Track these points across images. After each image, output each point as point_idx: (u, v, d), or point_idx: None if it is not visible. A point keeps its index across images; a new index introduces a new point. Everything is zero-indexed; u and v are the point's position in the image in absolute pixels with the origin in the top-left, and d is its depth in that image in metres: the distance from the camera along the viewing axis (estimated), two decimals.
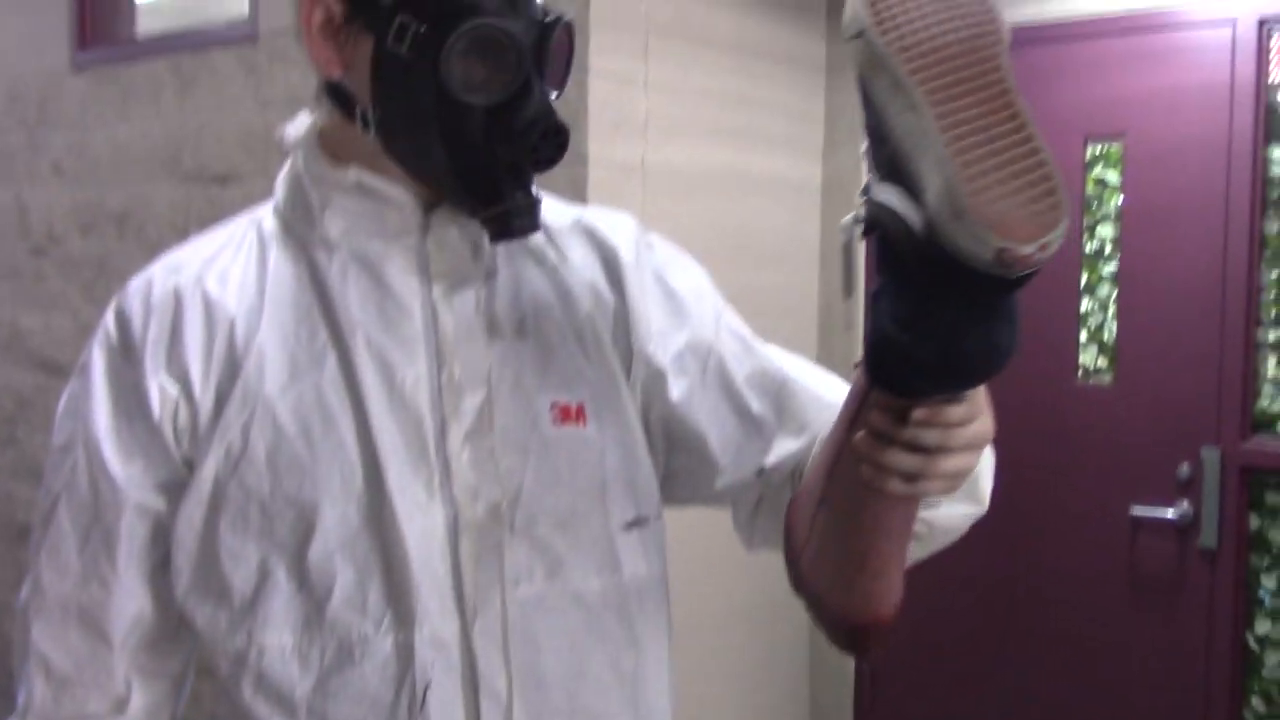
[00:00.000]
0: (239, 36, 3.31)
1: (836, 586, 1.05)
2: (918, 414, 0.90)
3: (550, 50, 1.03)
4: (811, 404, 1.15)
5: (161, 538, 1.09)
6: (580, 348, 1.13)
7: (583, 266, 1.16)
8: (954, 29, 0.86)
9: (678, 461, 1.18)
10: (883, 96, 0.86)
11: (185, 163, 3.42)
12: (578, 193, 2.63)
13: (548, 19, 1.03)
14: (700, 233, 2.97)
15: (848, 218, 0.94)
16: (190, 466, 1.07)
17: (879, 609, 1.04)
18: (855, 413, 0.96)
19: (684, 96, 2.92)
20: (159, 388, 1.06)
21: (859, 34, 0.87)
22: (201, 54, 3.40)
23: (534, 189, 1.05)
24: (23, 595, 1.12)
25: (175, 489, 1.07)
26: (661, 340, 1.15)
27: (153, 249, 1.14)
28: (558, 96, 1.06)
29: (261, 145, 3.22)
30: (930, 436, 0.90)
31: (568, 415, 1.10)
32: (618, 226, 1.20)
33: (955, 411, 0.90)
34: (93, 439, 1.08)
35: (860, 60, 0.88)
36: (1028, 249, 0.79)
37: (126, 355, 1.08)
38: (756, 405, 1.15)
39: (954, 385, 0.88)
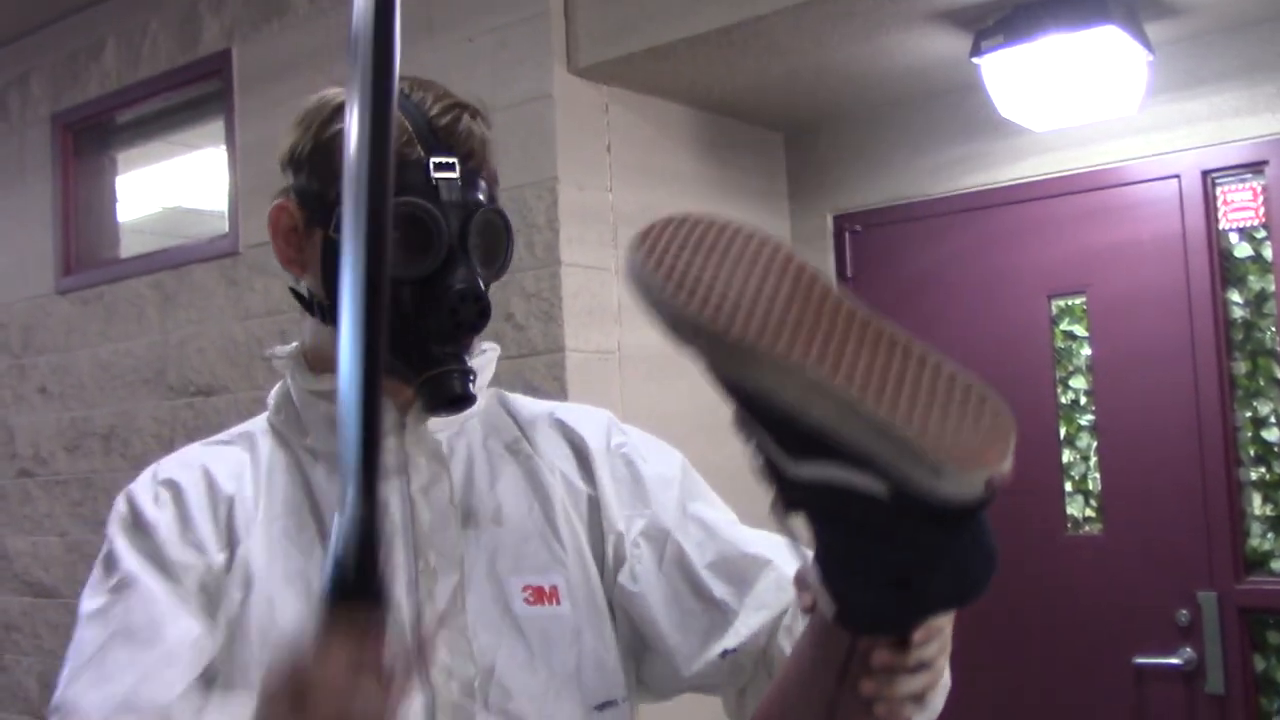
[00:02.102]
0: (220, 251, 3.40)
1: None
2: (918, 634, 0.91)
3: (475, 230, 1.11)
4: (774, 585, 1.16)
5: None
6: (554, 535, 1.17)
7: (555, 458, 1.22)
8: (774, 286, 0.83)
9: (640, 645, 1.20)
10: (763, 383, 0.81)
11: (169, 376, 3.47)
12: (556, 378, 2.67)
13: (478, 206, 1.12)
14: (678, 412, 3.00)
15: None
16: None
17: None
18: (843, 667, 0.93)
19: None
20: (180, 561, 1.09)
21: (702, 339, 0.83)
22: (183, 270, 3.49)
23: (466, 360, 1.12)
24: None
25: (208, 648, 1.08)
26: (626, 524, 1.20)
27: (139, 464, 1.18)
28: (495, 274, 1.14)
29: (244, 355, 3.27)
30: (932, 648, 0.93)
31: (541, 596, 1.14)
32: (588, 418, 1.27)
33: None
34: (141, 584, 1.07)
35: (717, 362, 0.84)
36: (1006, 463, 0.78)
37: (144, 531, 1.11)
38: (718, 590, 1.17)
39: (971, 599, 0.87)
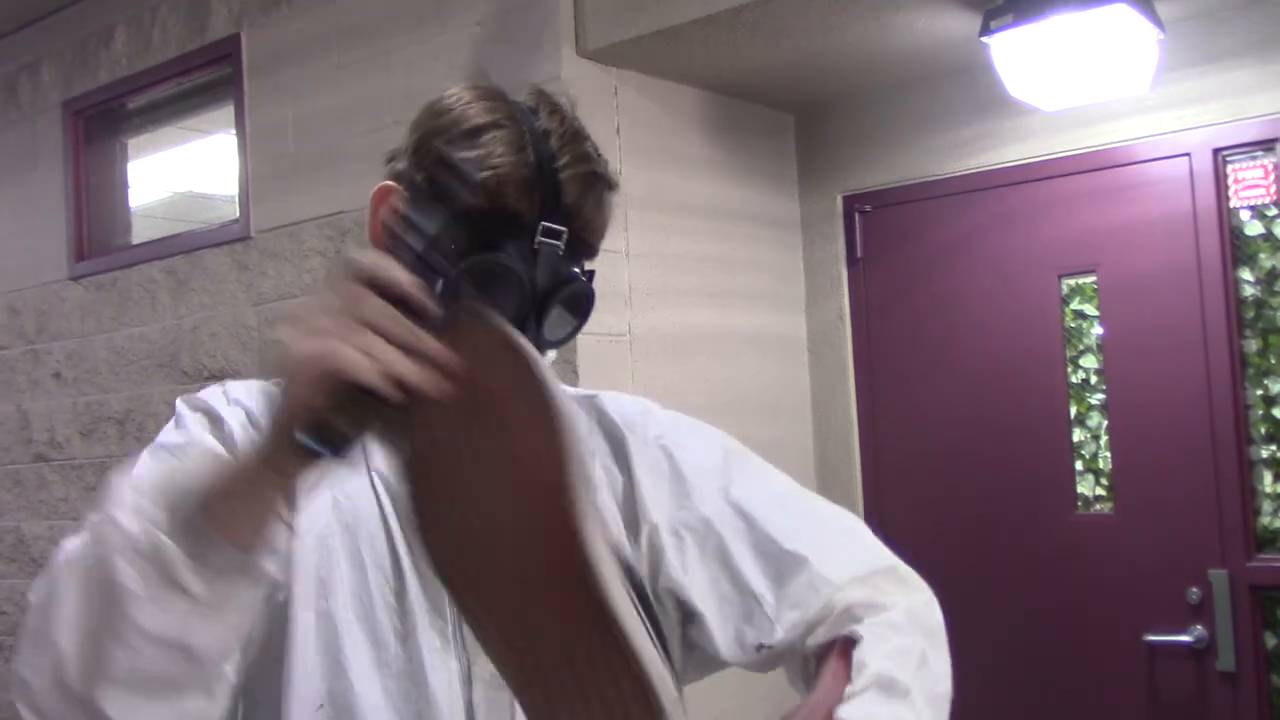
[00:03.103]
0: (231, 236, 3.41)
1: None
2: None
3: (558, 301, 1.08)
4: (807, 584, 1.14)
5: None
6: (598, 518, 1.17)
7: (593, 443, 1.22)
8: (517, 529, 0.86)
9: (689, 632, 1.19)
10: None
11: (182, 361, 3.49)
12: (568, 361, 2.68)
13: (569, 276, 1.08)
14: (691, 393, 3.01)
15: None
16: None
17: None
18: None
19: (665, 263, 3.00)
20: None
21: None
22: (195, 255, 3.50)
23: None
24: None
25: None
26: (663, 515, 1.19)
27: None
28: (564, 342, 1.12)
29: (256, 340, 3.29)
30: None
31: None
32: (626, 406, 1.26)
33: None
34: (207, 445, 1.10)
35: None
36: None
37: (213, 419, 1.13)
38: (755, 584, 1.15)
39: None
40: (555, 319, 1.09)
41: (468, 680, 1.10)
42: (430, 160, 1.09)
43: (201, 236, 3.56)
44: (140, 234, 3.91)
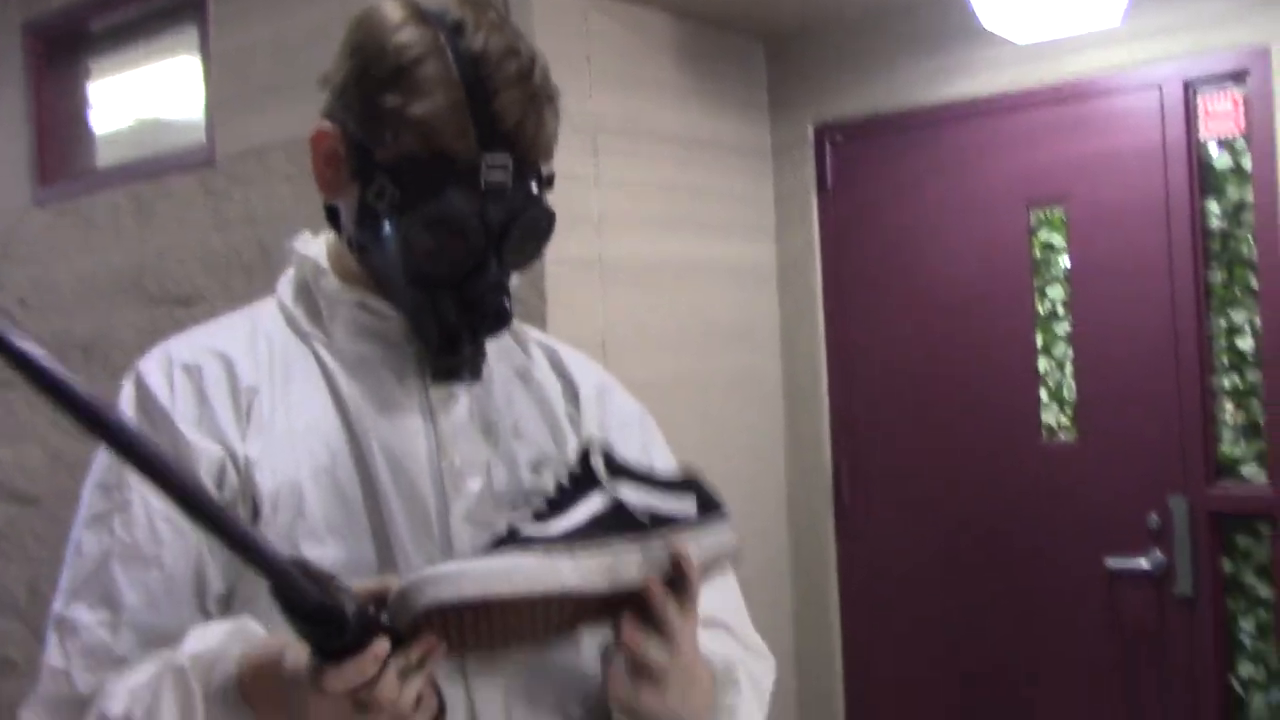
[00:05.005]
0: (196, 161, 3.37)
1: None
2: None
3: (516, 232, 1.08)
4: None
5: (212, 604, 1.08)
6: (560, 452, 1.19)
7: (550, 387, 1.24)
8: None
9: None
10: None
11: (148, 287, 3.46)
12: (536, 289, 2.68)
13: (528, 200, 1.08)
14: (661, 321, 3.02)
15: None
16: None
17: None
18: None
19: (636, 190, 2.99)
20: (202, 449, 1.06)
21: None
22: (160, 180, 3.46)
23: (483, 342, 1.13)
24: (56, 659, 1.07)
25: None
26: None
27: (119, 374, 1.16)
28: (527, 266, 1.12)
29: (223, 265, 3.26)
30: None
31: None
32: (583, 364, 1.28)
33: None
34: (141, 493, 1.06)
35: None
36: None
37: (154, 421, 1.08)
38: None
39: None
40: (516, 247, 1.09)
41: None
42: (360, 105, 1.08)
43: (166, 161, 3.51)
44: (104, 160, 3.85)
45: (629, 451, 1.18)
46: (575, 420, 1.23)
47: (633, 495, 1.03)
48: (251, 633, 1.02)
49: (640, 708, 1.03)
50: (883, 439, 3.36)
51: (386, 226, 1.07)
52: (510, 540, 0.98)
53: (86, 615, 1.05)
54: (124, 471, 1.06)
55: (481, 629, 0.95)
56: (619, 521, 1.01)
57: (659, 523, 1.02)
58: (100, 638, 1.04)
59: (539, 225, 1.10)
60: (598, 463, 1.05)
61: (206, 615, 1.07)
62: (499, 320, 1.09)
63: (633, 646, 1.01)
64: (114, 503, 1.08)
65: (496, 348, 1.21)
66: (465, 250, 1.06)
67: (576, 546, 0.97)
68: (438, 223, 1.04)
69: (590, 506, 1.02)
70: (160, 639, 1.03)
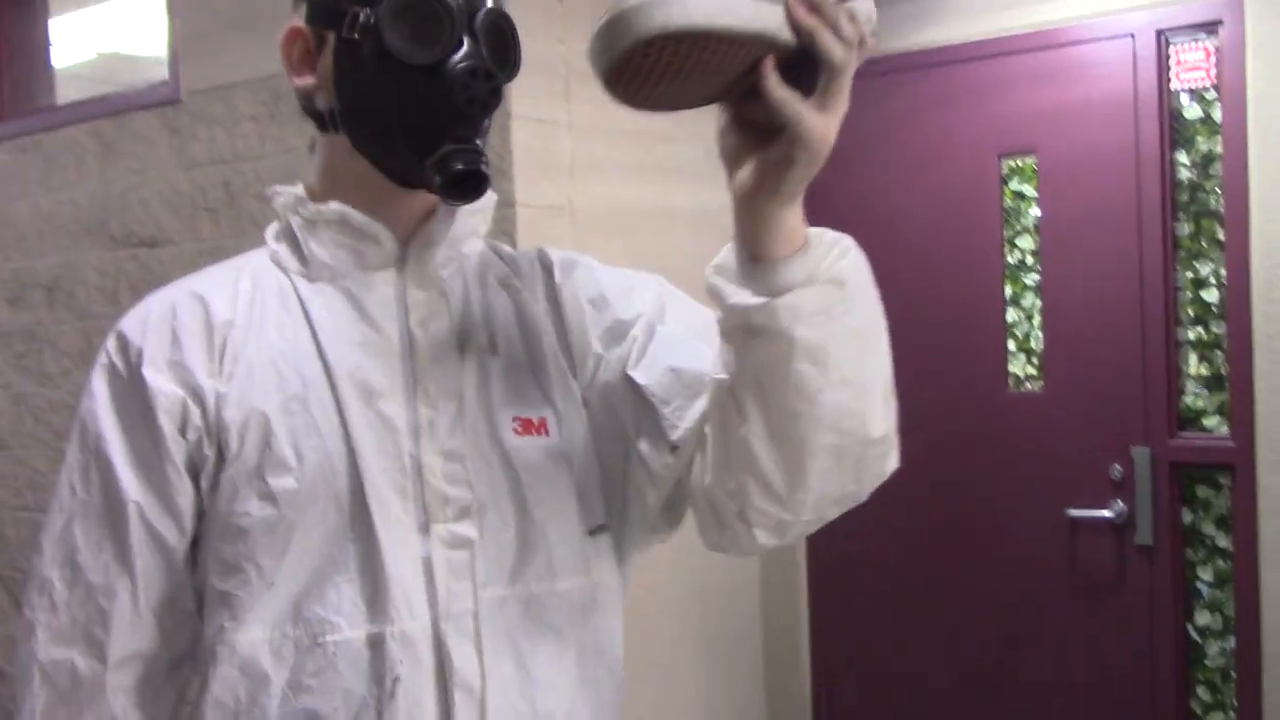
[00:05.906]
0: (160, 99, 3.31)
1: None
2: None
3: (482, 28, 1.11)
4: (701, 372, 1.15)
5: (173, 572, 1.12)
6: (543, 366, 1.20)
7: (538, 291, 1.25)
8: None
9: (621, 458, 1.20)
10: None
11: (112, 227, 3.41)
12: (506, 233, 2.66)
13: (483, 5, 1.12)
14: (633, 267, 3.00)
15: None
16: (197, 476, 1.12)
17: None
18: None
19: (607, 136, 2.96)
20: (164, 398, 1.11)
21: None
22: (123, 118, 3.40)
23: (479, 142, 1.13)
24: (29, 611, 1.13)
25: (186, 516, 1.12)
26: (593, 336, 1.23)
27: (83, 315, 1.16)
28: (507, 75, 1.14)
29: (188, 205, 3.22)
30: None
31: (529, 428, 1.16)
32: (565, 255, 1.31)
33: None
34: (105, 459, 1.12)
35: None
36: None
37: (130, 377, 1.13)
38: (660, 390, 1.16)
39: None
40: (486, 29, 1.12)
41: (426, 532, 1.12)
42: None
43: (129, 98, 3.45)
44: (65, 96, 3.78)
45: (627, 311, 1.26)
46: (554, 302, 1.24)
47: None
48: None
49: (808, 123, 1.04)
50: None
51: (365, 48, 1.11)
52: None
53: (57, 573, 1.13)
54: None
55: (689, 65, 0.96)
56: None
57: None
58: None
59: (500, 24, 1.13)
60: None
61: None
62: (492, 91, 1.10)
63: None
64: (89, 447, 1.13)
65: (480, 262, 1.24)
66: (442, 31, 1.09)
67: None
68: (407, 8, 1.09)
69: None
70: None
